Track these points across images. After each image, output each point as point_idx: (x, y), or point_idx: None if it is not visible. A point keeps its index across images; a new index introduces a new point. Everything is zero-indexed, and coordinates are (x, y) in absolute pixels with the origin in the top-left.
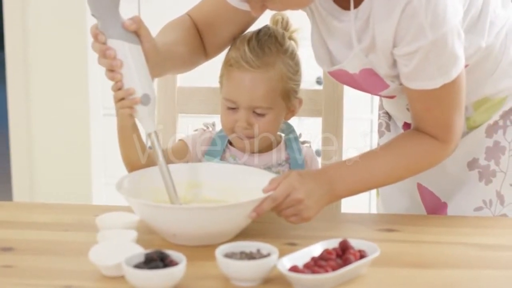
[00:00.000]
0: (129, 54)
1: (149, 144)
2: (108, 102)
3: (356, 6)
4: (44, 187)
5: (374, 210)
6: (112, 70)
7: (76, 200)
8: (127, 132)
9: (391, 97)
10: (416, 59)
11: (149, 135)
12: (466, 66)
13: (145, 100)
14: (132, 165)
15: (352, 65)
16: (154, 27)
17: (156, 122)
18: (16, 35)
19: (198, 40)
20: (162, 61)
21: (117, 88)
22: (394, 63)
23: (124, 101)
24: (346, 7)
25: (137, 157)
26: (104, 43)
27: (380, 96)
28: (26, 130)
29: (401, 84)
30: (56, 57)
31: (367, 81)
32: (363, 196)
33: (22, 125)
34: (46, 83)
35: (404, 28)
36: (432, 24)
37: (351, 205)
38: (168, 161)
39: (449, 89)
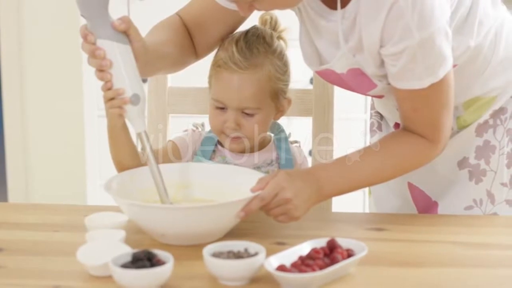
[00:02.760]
0: (119, 54)
1: (139, 146)
2: (102, 103)
3: (343, 6)
4: (39, 188)
5: (368, 210)
6: (102, 70)
7: (71, 201)
8: (117, 132)
9: (380, 96)
10: (403, 59)
11: (139, 135)
12: (455, 66)
13: (135, 100)
14: (122, 165)
15: (340, 65)
16: (144, 27)
17: (146, 122)
18: (10, 37)
19: (188, 40)
20: (151, 61)
21: (107, 88)
22: (382, 63)
23: (114, 101)
24: (334, 7)
25: (127, 157)
26: (94, 43)
27: (368, 95)
28: (21, 132)
29: (388, 83)
30: (50, 59)
31: (355, 81)
32: (357, 195)
33: (17, 127)
34: (41, 85)
35: (391, 28)
36: (419, 24)
37: (344, 204)
38: (158, 161)
39: (437, 89)
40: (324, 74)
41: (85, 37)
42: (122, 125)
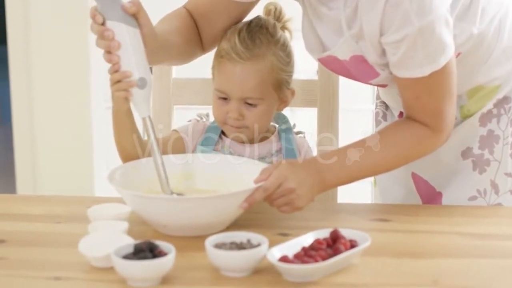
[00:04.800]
0: (127, 36)
1: (144, 136)
2: (109, 95)
3: None
4: (47, 180)
5: (374, 201)
6: (110, 52)
7: (78, 194)
8: (122, 116)
9: (383, 85)
10: (403, 47)
11: (143, 120)
12: (458, 54)
13: (142, 83)
14: (126, 152)
15: (342, 51)
16: (152, 19)
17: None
18: (18, 29)
19: (194, 31)
20: (159, 48)
21: (114, 70)
22: (383, 52)
23: (120, 84)
24: None
25: (130, 143)
26: (103, 24)
27: (371, 84)
28: (29, 124)
29: (391, 73)
30: (58, 51)
31: (358, 68)
32: (364, 186)
33: (25, 119)
34: (48, 77)
35: (390, 16)
36: (418, 12)
37: (351, 195)
38: (161, 149)
39: (438, 77)
40: (326, 61)
41: (93, 18)
42: (127, 110)
